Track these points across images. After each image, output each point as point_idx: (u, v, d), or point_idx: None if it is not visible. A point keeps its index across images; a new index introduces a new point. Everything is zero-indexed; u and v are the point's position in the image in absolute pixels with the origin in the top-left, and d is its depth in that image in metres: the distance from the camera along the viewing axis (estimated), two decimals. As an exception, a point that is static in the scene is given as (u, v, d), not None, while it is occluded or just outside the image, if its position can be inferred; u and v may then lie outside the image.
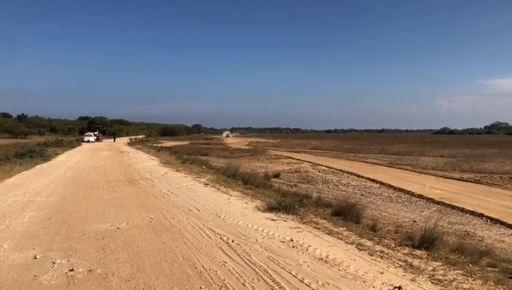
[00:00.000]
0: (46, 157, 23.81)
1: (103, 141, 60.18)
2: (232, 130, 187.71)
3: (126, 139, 65.50)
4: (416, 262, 5.68)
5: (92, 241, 6.51)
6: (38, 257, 5.68)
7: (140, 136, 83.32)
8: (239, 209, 9.28)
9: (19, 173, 16.16)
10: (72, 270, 5.14)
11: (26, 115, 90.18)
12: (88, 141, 54.27)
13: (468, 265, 5.65)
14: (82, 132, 71.07)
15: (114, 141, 60.66)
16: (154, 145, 46.87)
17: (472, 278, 5.11)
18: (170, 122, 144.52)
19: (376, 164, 31.54)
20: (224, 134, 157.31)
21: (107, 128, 77.87)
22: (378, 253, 6.09)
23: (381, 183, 19.92)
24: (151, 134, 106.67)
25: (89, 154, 29.73)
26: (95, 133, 60.54)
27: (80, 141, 52.95)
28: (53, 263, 5.43)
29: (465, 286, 4.85)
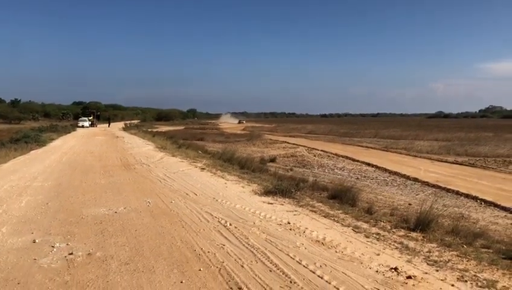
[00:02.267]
0: (41, 143, 23.69)
1: (98, 126, 59.82)
2: (231, 114, 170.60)
3: (121, 124, 65.14)
4: (411, 244, 5.76)
5: (90, 226, 6.54)
6: (37, 241, 5.70)
7: (135, 121, 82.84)
8: (236, 193, 9.32)
9: (14, 158, 16.08)
10: (71, 253, 5.18)
11: (20, 100, 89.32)
12: (82, 126, 53.90)
13: (463, 246, 5.73)
14: (76, 117, 70.62)
15: (109, 126, 60.29)
16: (149, 130, 46.72)
17: (467, 259, 5.19)
18: (165, 107, 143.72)
19: (371, 147, 31.68)
20: (224, 118, 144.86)
21: (101, 113, 77.38)
22: (374, 235, 6.17)
23: (377, 167, 20.02)
24: (146, 119, 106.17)
25: (83, 140, 29.62)
26: (90, 118, 60.14)
27: (74, 126, 52.67)
28: (52, 246, 5.46)
29: (459, 266, 4.93)
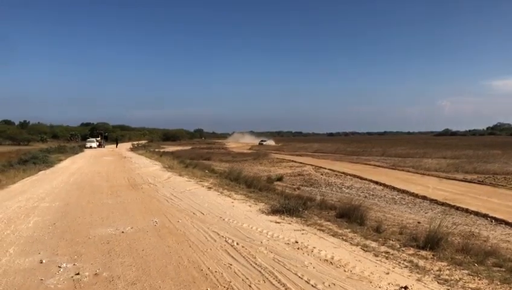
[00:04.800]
0: (49, 164, 23.89)
1: (105, 146, 60.22)
2: (250, 133, 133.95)
3: (128, 145, 65.60)
4: (421, 262, 5.67)
5: (97, 246, 6.52)
6: (44, 261, 5.69)
7: (143, 142, 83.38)
8: (243, 212, 9.28)
9: (23, 179, 16.20)
10: (78, 274, 5.15)
11: (29, 122, 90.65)
12: (90, 147, 54.32)
13: (474, 265, 5.63)
14: (84, 138, 71.21)
15: (116, 146, 60.69)
16: (157, 150, 46.89)
17: (478, 278, 5.10)
18: (172, 127, 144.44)
19: (379, 166, 31.52)
20: (235, 138, 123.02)
21: (109, 134, 77.98)
22: (384, 254, 6.08)
23: (385, 185, 19.90)
24: (153, 139, 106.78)
25: (91, 160, 29.79)
26: (97, 139, 60.71)
27: (82, 147, 53.03)
28: (59, 267, 5.44)
29: (471, 285, 4.84)
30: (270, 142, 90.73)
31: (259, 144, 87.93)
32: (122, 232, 7.43)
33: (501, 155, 36.91)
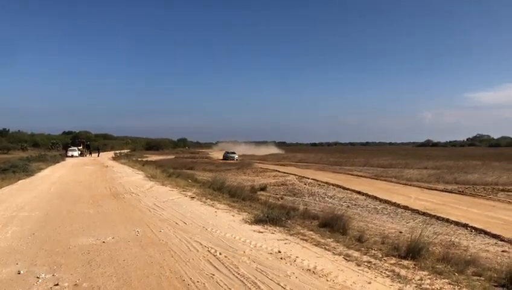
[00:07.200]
0: (29, 173, 23.42)
1: (87, 155, 59.40)
2: (245, 143, 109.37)
3: (111, 154, 64.79)
4: (403, 272, 5.72)
5: (77, 256, 6.41)
6: (22, 272, 5.56)
7: (125, 151, 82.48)
8: (226, 222, 9.24)
9: (1, 188, 15.86)
10: (57, 285, 5.05)
11: (8, 130, 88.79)
12: (72, 156, 53.45)
13: (455, 274, 5.70)
14: (66, 147, 70.06)
15: (98, 155, 59.92)
16: (139, 159, 46.46)
17: (458, 287, 5.16)
18: (155, 136, 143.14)
19: (361, 176, 31.78)
20: (225, 147, 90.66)
21: (91, 142, 76.89)
22: (366, 263, 6.12)
23: (367, 195, 20.06)
24: (136, 148, 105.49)
25: (73, 169, 29.36)
26: (79, 147, 59.76)
27: (63, 156, 52.20)
28: (37, 278, 5.32)
29: (451, 294, 4.89)
30: (273, 150, 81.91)
31: (223, 158, 61.51)
32: (103, 242, 7.32)
33: (480, 166, 37.59)
